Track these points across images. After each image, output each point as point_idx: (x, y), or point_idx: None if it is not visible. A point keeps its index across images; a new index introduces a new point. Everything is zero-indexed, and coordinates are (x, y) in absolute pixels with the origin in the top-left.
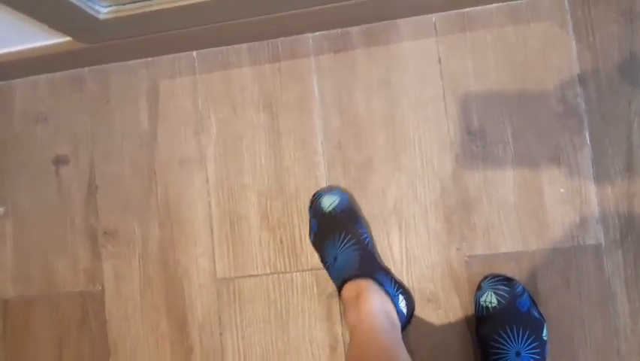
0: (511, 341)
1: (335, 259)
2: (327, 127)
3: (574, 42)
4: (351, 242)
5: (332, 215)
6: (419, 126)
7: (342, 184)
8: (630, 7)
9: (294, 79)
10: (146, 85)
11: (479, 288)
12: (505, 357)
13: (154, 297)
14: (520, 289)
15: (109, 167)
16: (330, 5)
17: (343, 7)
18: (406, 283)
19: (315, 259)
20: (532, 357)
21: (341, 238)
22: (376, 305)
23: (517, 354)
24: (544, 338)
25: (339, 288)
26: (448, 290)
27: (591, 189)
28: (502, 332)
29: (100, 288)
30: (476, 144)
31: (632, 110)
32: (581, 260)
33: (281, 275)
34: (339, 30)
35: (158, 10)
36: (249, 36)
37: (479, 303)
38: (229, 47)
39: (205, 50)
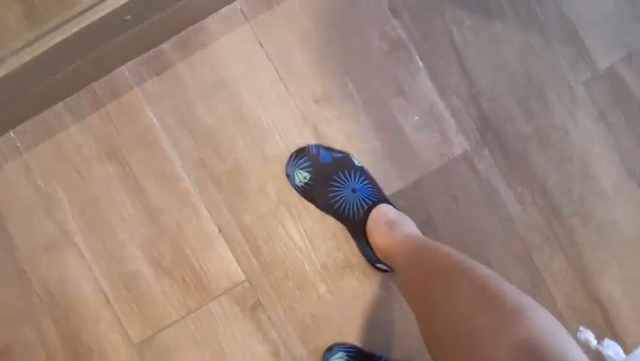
0: (341, 186)
1: (354, 190)
2: (181, 151)
3: None
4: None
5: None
6: (269, 113)
7: (219, 199)
8: None
9: (126, 117)
10: None
11: (287, 176)
12: (346, 201)
13: None
14: (314, 149)
15: None
16: (129, 33)
17: (140, 30)
18: (316, 262)
19: (224, 279)
20: (364, 185)
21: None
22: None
23: (353, 191)
24: (359, 165)
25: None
26: (355, 250)
27: (440, 106)
28: (330, 189)
29: None
30: (326, 108)
31: (446, 20)
32: (456, 172)
33: (198, 312)
34: (151, 51)
35: None
36: (61, 94)
37: (297, 187)
38: (46, 112)
39: (21, 125)
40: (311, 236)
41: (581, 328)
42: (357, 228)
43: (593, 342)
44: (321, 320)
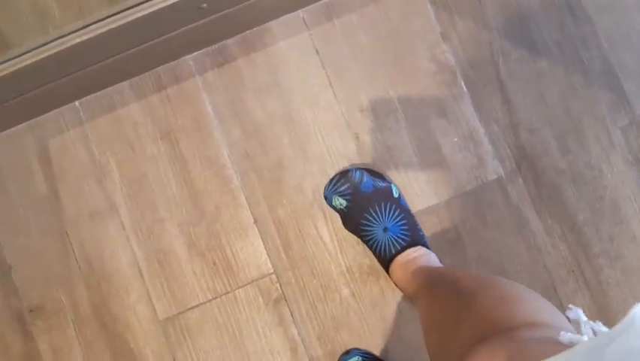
0: (375, 222)
1: (385, 229)
2: (229, 140)
3: (429, 4)
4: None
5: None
6: (316, 117)
7: (258, 190)
8: None
9: (184, 102)
10: (35, 148)
11: (325, 198)
12: (376, 239)
13: (100, 360)
14: (357, 175)
15: (17, 242)
16: (197, 23)
17: (212, 21)
18: (342, 265)
19: (252, 269)
20: (397, 225)
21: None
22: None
23: (385, 230)
24: (397, 196)
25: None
26: None
27: (480, 131)
28: (363, 221)
29: None
30: (370, 118)
31: (493, 50)
32: (489, 196)
33: (223, 297)
34: (216, 45)
35: (21, 68)
36: (128, 73)
37: (334, 208)
38: (110, 88)
39: (87, 97)
40: (340, 239)
41: (571, 305)
42: (382, 264)
43: (584, 318)
44: (340, 323)
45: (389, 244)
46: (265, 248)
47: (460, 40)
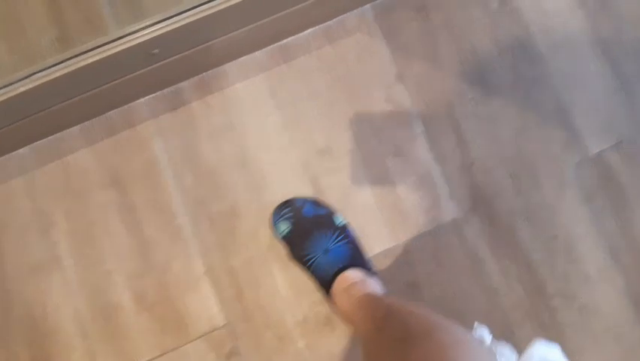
0: (316, 245)
1: (326, 251)
2: (182, 186)
3: (385, 46)
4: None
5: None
6: (271, 160)
7: (210, 238)
8: (423, 4)
9: (136, 148)
10: None
11: (273, 226)
12: (317, 261)
13: None
14: (299, 202)
15: None
16: (152, 67)
17: (165, 65)
18: (298, 313)
19: (203, 322)
20: (338, 246)
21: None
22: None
23: (326, 251)
24: (341, 224)
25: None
26: None
27: (435, 171)
28: (304, 245)
29: None
30: (327, 160)
31: (448, 92)
32: (445, 237)
33: (172, 353)
34: (171, 88)
35: None
36: (78, 118)
37: (280, 237)
38: (59, 133)
39: (34, 143)
40: (296, 287)
41: (476, 323)
42: (323, 290)
43: (488, 338)
44: None
45: (329, 265)
46: (217, 299)
47: (415, 82)
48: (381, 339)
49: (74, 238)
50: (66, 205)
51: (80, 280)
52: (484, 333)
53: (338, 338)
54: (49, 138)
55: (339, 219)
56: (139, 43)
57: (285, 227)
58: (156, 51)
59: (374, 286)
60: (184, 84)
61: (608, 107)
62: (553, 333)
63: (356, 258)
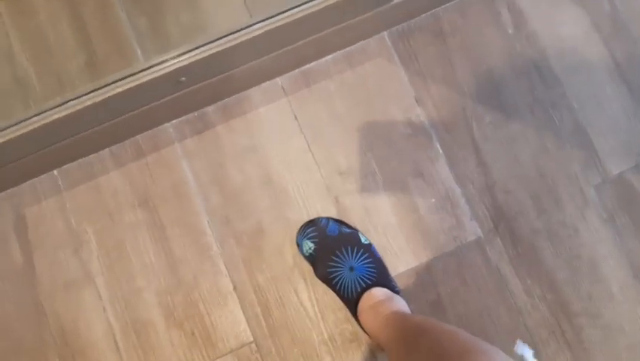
0: (341, 263)
1: (351, 269)
2: (209, 206)
3: (403, 71)
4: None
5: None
6: (295, 180)
7: (237, 256)
8: (440, 29)
9: (163, 169)
10: (11, 217)
11: (297, 245)
12: (342, 278)
13: None
14: (323, 221)
15: None
16: (176, 94)
17: (191, 92)
18: (324, 332)
19: (231, 338)
20: (364, 265)
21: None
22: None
23: (351, 269)
24: (366, 243)
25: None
26: None
27: (457, 192)
28: (330, 263)
29: None
30: (349, 181)
31: (467, 114)
32: (468, 257)
33: None
34: (196, 112)
35: (4, 142)
36: (108, 141)
37: (305, 256)
38: (90, 156)
39: (66, 165)
40: (322, 305)
41: (518, 341)
42: (350, 307)
43: (530, 356)
44: None
45: (355, 283)
46: (244, 316)
47: (434, 105)
48: (415, 360)
49: (105, 257)
50: (97, 225)
51: (110, 298)
52: (524, 351)
53: (364, 356)
54: (80, 160)
55: (364, 238)
56: (167, 73)
57: (309, 246)
58: (183, 79)
59: (401, 304)
60: (209, 108)
61: (626, 128)
62: (577, 351)
63: (381, 276)
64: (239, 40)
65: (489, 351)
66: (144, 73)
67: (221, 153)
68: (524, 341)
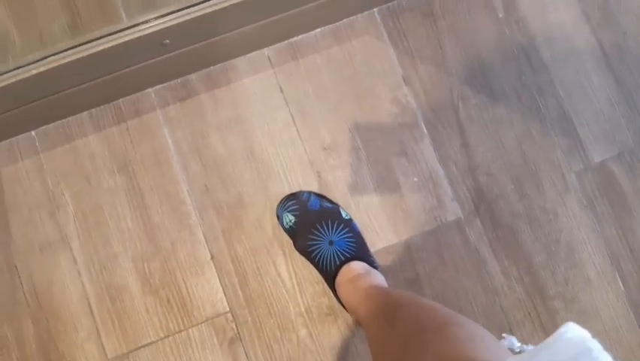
0: (321, 236)
1: (331, 242)
2: (189, 175)
3: (392, 49)
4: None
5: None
6: (278, 153)
7: (216, 226)
8: (431, 10)
9: (144, 135)
10: None
11: (277, 217)
12: (321, 251)
13: None
14: (305, 195)
15: None
16: (159, 58)
17: (175, 56)
18: (300, 304)
19: (208, 307)
20: (343, 239)
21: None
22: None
23: (331, 243)
24: (347, 218)
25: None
26: None
27: (439, 172)
28: (310, 236)
29: None
30: (332, 157)
31: (454, 95)
32: (447, 237)
33: (176, 336)
34: (179, 79)
35: None
36: (87, 104)
37: (285, 228)
38: (69, 118)
39: (43, 127)
40: (300, 278)
41: (504, 335)
42: (328, 280)
43: (517, 344)
44: None
45: (334, 256)
46: (221, 286)
47: (421, 84)
48: (393, 334)
49: (82, 220)
50: (75, 188)
51: (86, 262)
52: (512, 341)
53: (340, 329)
54: (58, 122)
55: (345, 213)
56: (150, 33)
57: (290, 219)
58: (167, 42)
59: (379, 279)
60: (193, 76)
61: (610, 118)
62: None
63: (360, 251)
64: (226, 4)
65: (466, 324)
66: (127, 32)
67: (204, 121)
68: (509, 333)
